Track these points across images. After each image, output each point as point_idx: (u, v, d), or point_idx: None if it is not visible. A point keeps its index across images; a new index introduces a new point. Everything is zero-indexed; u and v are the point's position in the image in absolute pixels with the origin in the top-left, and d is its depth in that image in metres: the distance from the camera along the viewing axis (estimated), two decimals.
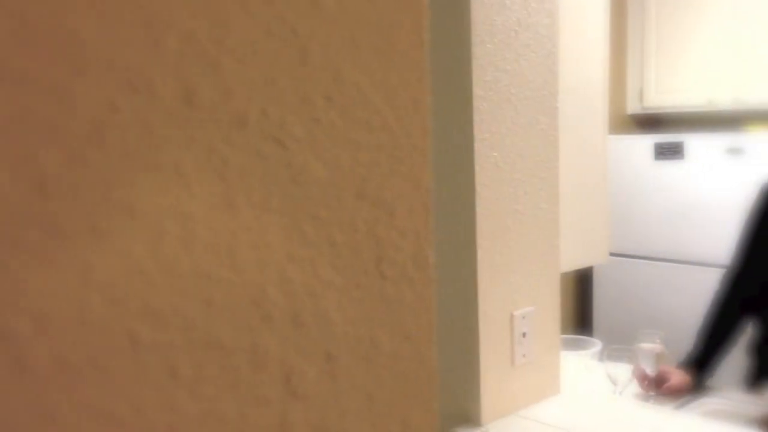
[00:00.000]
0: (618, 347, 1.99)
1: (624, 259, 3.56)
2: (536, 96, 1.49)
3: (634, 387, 1.96)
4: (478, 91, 1.36)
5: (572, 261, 1.79)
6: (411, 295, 0.40)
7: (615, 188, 3.56)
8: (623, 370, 1.91)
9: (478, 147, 1.37)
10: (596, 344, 2.29)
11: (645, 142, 3.44)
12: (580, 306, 3.90)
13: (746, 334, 2.04)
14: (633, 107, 3.99)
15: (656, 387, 1.91)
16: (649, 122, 4.10)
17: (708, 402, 1.91)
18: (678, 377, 1.93)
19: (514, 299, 1.47)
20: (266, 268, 0.34)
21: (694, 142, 3.27)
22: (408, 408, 0.42)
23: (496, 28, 1.38)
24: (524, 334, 1.48)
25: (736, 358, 2.05)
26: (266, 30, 0.33)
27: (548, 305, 1.55)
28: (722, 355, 1.98)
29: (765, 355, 1.97)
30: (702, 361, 1.97)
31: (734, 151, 3.11)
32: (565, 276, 3.74)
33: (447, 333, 1.46)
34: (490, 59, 1.38)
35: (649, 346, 1.92)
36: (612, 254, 3.62)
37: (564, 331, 3.14)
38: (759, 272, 1.96)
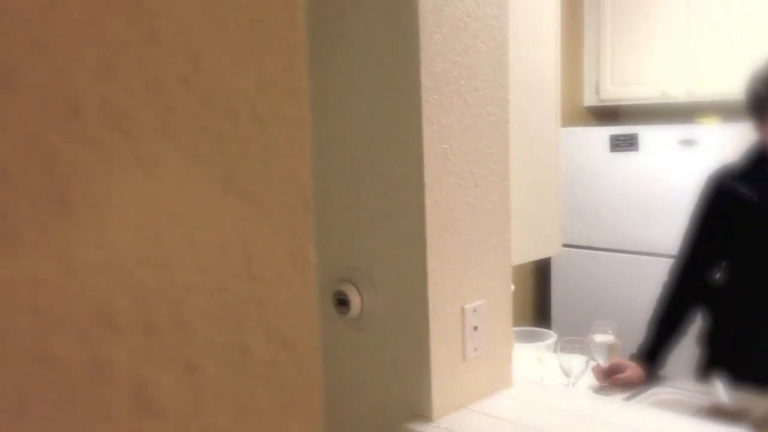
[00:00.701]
0: (572, 339, 2.00)
1: (581, 250, 3.59)
2: (486, 88, 1.47)
3: (589, 378, 1.98)
4: (426, 82, 1.34)
5: (525, 253, 1.79)
6: (288, 298, 0.37)
7: (572, 180, 3.59)
8: (577, 362, 1.92)
9: (427, 139, 1.36)
10: (551, 336, 2.30)
11: (601, 134, 3.47)
12: (539, 298, 3.92)
13: (696, 324, 2.06)
14: (590, 99, 4.02)
15: (609, 378, 1.92)
16: (606, 114, 4.14)
17: (659, 392, 1.93)
18: (630, 369, 1.94)
19: (465, 293, 1.46)
20: (110, 272, 0.31)
21: (649, 134, 3.30)
22: (286, 421, 0.39)
23: (445, 18, 1.37)
24: (476, 328, 1.47)
25: (688, 348, 2.08)
26: (106, 4, 0.30)
27: (500, 298, 1.54)
28: (672, 345, 2.00)
29: (715, 344, 2.00)
30: (653, 352, 1.99)
31: (687, 143, 3.14)
32: (523, 268, 3.77)
33: (397, 328, 1.44)
34: (438, 50, 1.36)
35: (602, 337, 1.94)
36: (569, 246, 3.66)
37: (522, 323, 3.16)
38: (705, 262, 1.98)
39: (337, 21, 1.47)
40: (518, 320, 3.31)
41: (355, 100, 1.46)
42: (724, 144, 2.87)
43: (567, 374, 1.85)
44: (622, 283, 3.35)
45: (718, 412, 1.48)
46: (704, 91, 3.40)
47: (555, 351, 1.94)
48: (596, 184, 3.49)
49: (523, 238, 1.79)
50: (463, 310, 1.45)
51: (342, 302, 1.50)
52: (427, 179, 1.36)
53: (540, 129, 1.82)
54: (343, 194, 1.50)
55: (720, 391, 1.60)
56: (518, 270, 3.73)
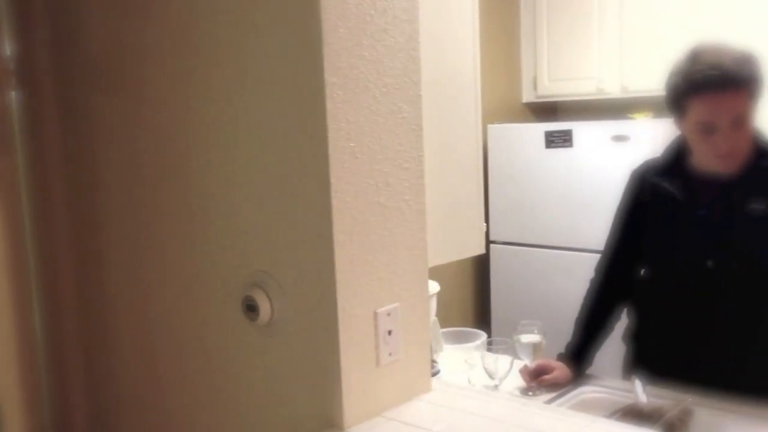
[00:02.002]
0: (498, 339, 1.98)
1: (519, 247, 3.58)
2: (397, 83, 1.42)
3: (516, 379, 1.95)
4: (331, 78, 1.29)
5: (446, 253, 1.75)
6: None
7: (509, 177, 3.58)
8: (503, 363, 1.89)
9: (333, 137, 1.30)
10: (482, 336, 2.27)
11: (536, 131, 3.46)
12: (479, 297, 3.91)
13: (623, 322, 2.05)
14: (528, 96, 4.03)
15: (535, 379, 1.90)
16: (545, 110, 4.14)
17: (585, 391, 1.91)
18: (557, 369, 1.92)
19: (377, 296, 1.41)
20: None
21: (583, 130, 3.31)
22: None
23: (350, 11, 1.31)
24: (390, 332, 1.43)
25: (616, 345, 2.06)
26: None
27: (416, 301, 1.49)
28: (599, 343, 1.99)
29: (640, 341, 1.99)
30: (579, 351, 1.97)
31: (620, 138, 3.16)
32: (462, 267, 3.75)
33: (307, 334, 1.39)
34: (343, 45, 1.31)
35: (528, 337, 1.91)
36: (508, 243, 3.65)
37: (463, 323, 3.13)
38: (629, 258, 1.97)
39: (235, 13, 1.40)
40: (458, 320, 3.30)
41: (254, 98, 1.39)
42: (656, 138, 2.87)
43: (491, 376, 1.82)
44: (562, 279, 3.35)
45: (634, 413, 1.46)
46: (638, 86, 3.42)
47: (481, 352, 1.91)
48: (533, 180, 3.48)
49: (444, 238, 1.75)
50: (375, 314, 1.40)
51: (251, 308, 1.43)
52: (333, 179, 1.31)
53: (460, 126, 1.79)
54: (248, 197, 1.44)
55: (639, 390, 1.59)
56: (457, 269, 3.71)
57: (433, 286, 1.98)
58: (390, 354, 1.44)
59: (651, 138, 2.99)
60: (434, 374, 2.02)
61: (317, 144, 1.30)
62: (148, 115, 1.64)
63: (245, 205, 1.46)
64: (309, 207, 1.33)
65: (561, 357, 1.98)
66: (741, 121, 1.66)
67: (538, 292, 3.46)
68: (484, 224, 1.86)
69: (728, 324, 1.78)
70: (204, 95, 1.50)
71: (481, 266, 3.85)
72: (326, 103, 1.28)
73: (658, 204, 1.87)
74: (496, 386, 1.84)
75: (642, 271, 1.98)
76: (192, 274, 1.61)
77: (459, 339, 2.31)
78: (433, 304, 2.01)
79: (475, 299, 3.90)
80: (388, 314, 1.43)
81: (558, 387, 1.92)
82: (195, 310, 1.61)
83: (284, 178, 1.37)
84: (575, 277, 3.43)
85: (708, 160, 1.76)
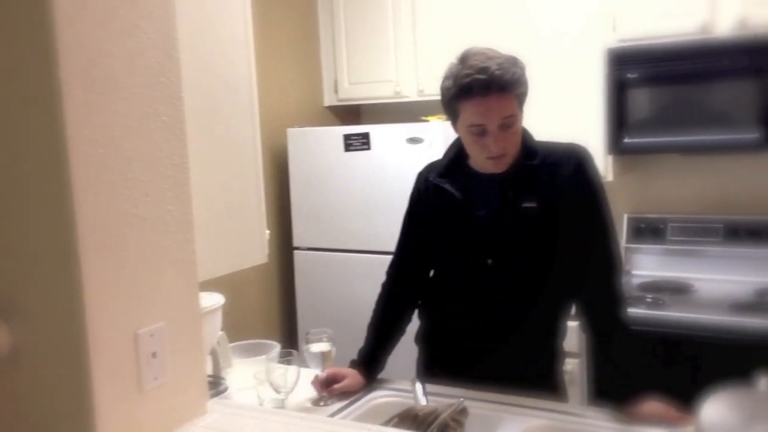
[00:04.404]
0: (285, 351, 1.91)
1: (322, 253, 3.55)
2: (153, 84, 1.31)
3: (308, 390, 1.90)
4: (69, 78, 1.16)
5: (224, 264, 1.66)
6: None
7: (311, 181, 3.53)
8: (291, 375, 1.82)
9: (75, 145, 1.17)
10: (277, 347, 2.20)
11: (336, 134, 3.45)
12: (284, 306, 3.82)
13: (416, 324, 2.06)
14: (330, 99, 4.01)
15: (326, 389, 1.86)
16: (348, 114, 4.15)
17: (377, 396, 1.90)
18: (348, 377, 1.89)
19: (138, 316, 1.29)
20: None
21: (380, 132, 3.33)
22: None
23: (88, 7, 1.19)
24: (154, 354, 1.31)
25: (411, 348, 2.07)
26: None
27: (185, 318, 1.39)
28: (390, 347, 1.99)
29: (431, 343, 2.01)
30: (371, 357, 1.96)
31: (414, 140, 3.21)
32: (265, 275, 3.65)
33: (55, 363, 1.24)
34: (83, 41, 1.18)
35: (317, 346, 1.86)
36: (310, 249, 3.61)
37: (267, 333, 3.03)
38: (417, 260, 1.99)
39: None
40: (263, 332, 3.19)
41: None
42: (448, 140, 2.95)
43: (277, 390, 1.75)
44: (365, 283, 3.34)
45: (411, 417, 1.45)
46: (432, 89, 3.49)
47: (269, 365, 1.84)
48: (333, 184, 3.46)
49: (222, 248, 1.66)
50: (136, 336, 1.28)
51: None
52: (77, 191, 1.17)
53: (237, 132, 1.70)
54: None
55: (419, 393, 1.58)
56: (260, 278, 3.61)
57: (216, 299, 1.88)
58: (155, 378, 1.32)
59: (443, 140, 3.06)
60: (221, 392, 1.92)
61: (56, 151, 1.16)
62: None
63: None
64: (50, 222, 1.19)
65: (353, 364, 1.96)
66: (509, 123, 1.71)
67: (344, 298, 3.44)
68: (267, 231, 1.79)
69: (507, 321, 1.84)
70: None
71: (286, 274, 3.78)
72: (63, 106, 1.15)
73: (440, 205, 1.90)
74: (282, 400, 1.77)
75: (431, 273, 2.00)
76: None
77: (255, 352, 2.22)
78: (218, 318, 1.91)
79: (281, 309, 3.82)
80: (152, 335, 1.31)
81: (350, 394, 1.89)
82: None
83: (21, 190, 1.22)
84: (378, 281, 3.46)
85: (481, 162, 1.80)
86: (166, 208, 1.35)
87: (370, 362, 1.95)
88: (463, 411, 1.47)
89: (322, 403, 1.84)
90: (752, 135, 2.72)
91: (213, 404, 1.47)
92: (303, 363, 1.89)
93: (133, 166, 1.28)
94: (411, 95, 3.67)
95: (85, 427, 1.22)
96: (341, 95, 3.94)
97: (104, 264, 1.22)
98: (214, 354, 1.99)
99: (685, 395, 1.48)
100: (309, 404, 1.85)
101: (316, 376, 1.88)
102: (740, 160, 3.12)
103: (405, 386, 1.88)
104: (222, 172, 1.64)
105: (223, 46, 1.67)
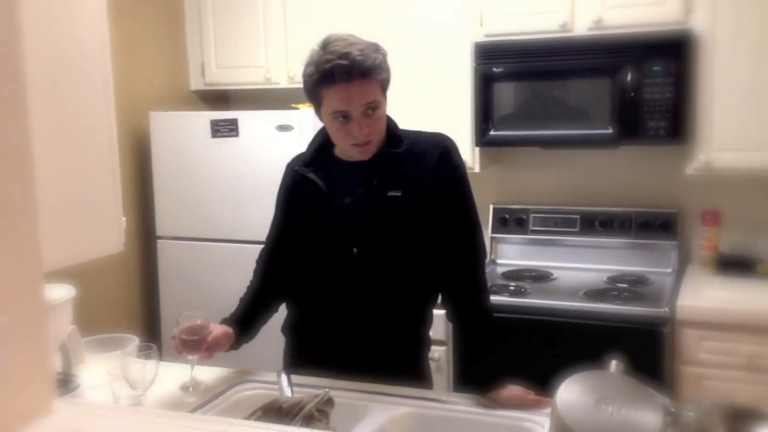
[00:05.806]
0: (144, 344, 1.82)
1: (188, 242, 3.43)
2: None
3: (168, 384, 1.82)
4: None
5: (74, 254, 1.55)
6: None
7: (175, 168, 3.40)
8: (150, 369, 1.74)
9: None
10: (134, 341, 2.09)
11: (203, 119, 3.33)
12: (147, 298, 3.67)
13: (282, 314, 2.02)
14: (196, 83, 3.87)
15: (197, 347, 1.76)
16: (216, 99, 4.02)
17: (242, 389, 1.85)
18: (219, 328, 1.82)
19: None
20: None
21: (249, 119, 3.25)
22: None
23: None
24: None
25: (278, 338, 2.02)
26: None
27: (28, 312, 1.29)
28: (261, 321, 1.94)
29: (299, 333, 1.97)
30: (243, 320, 1.90)
31: (284, 128, 3.16)
32: (125, 266, 3.47)
33: None
34: None
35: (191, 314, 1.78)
36: (175, 238, 3.47)
37: (131, 328, 2.87)
38: (285, 250, 1.95)
39: None
40: (123, 326, 3.02)
41: None
42: (317, 128, 2.92)
43: (133, 386, 1.66)
44: (232, 273, 3.25)
45: (274, 409, 1.42)
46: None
47: (125, 359, 1.74)
48: (199, 171, 3.35)
49: (69, 237, 1.55)
50: None
51: None
52: None
53: (89, 113, 1.60)
54: None
55: (284, 384, 1.55)
56: (120, 268, 3.43)
57: (66, 291, 1.76)
58: None
59: (313, 128, 3.01)
60: (72, 390, 1.81)
61: None
62: None
63: None
64: None
65: (225, 321, 1.89)
66: (373, 108, 1.70)
67: (211, 289, 3.33)
68: (124, 219, 1.69)
69: (374, 309, 1.84)
70: None
71: (147, 264, 3.62)
72: None
73: (306, 195, 1.87)
74: (140, 396, 1.68)
75: (299, 262, 1.96)
76: None
77: (111, 346, 2.10)
78: (67, 312, 1.79)
79: (141, 301, 3.66)
80: None
81: (218, 349, 1.80)
82: None
83: None
84: (247, 271, 3.39)
85: (346, 149, 1.79)
86: (5, 191, 1.24)
87: (242, 324, 1.88)
88: (328, 401, 1.44)
89: (190, 390, 1.77)
90: (606, 131, 2.86)
91: (61, 403, 1.38)
92: (166, 356, 1.80)
93: None
94: (281, 82, 3.60)
95: None
96: (208, 79, 3.81)
97: None
98: (64, 350, 1.86)
99: (546, 379, 1.53)
100: (177, 394, 1.77)
101: (183, 341, 1.76)
102: (595, 154, 3.27)
103: (270, 378, 1.84)
104: (72, 154, 1.53)
105: (74, 22, 1.56)
